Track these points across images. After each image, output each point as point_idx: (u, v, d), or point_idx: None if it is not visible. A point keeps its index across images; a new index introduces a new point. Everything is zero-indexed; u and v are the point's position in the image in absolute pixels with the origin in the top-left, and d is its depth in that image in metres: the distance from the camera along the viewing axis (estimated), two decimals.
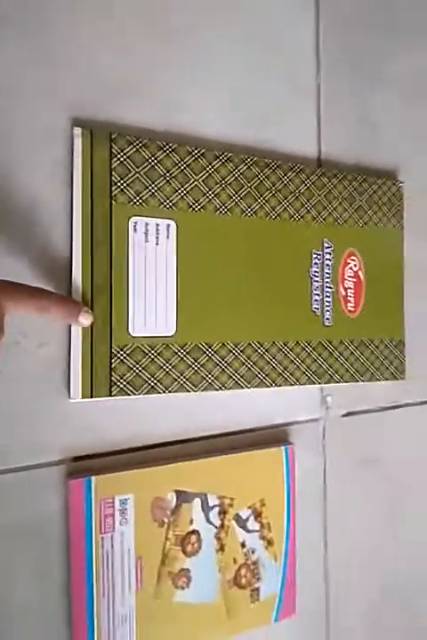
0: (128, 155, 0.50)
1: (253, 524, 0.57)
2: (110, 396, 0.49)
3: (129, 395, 0.50)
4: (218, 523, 0.55)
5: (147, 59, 0.53)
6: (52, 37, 0.48)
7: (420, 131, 0.71)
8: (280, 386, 0.58)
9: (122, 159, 0.49)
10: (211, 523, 0.55)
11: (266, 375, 0.57)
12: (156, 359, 0.51)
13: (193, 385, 0.53)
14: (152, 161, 0.51)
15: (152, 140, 0.51)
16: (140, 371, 0.50)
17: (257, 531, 0.57)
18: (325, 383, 0.61)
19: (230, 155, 0.55)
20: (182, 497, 0.53)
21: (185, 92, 0.55)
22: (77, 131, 0.48)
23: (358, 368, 0.63)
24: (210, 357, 0.54)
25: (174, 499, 0.53)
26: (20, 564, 0.48)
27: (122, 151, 0.49)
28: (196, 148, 0.53)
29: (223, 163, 0.54)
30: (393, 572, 0.69)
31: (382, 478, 0.68)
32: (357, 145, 0.66)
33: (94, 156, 0.48)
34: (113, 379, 0.49)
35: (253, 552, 0.57)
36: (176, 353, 0.52)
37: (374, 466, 0.67)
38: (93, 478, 0.49)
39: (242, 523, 0.56)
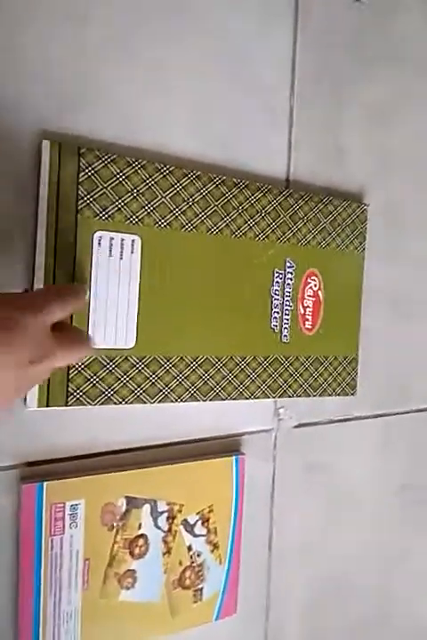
0: (96, 169, 0.50)
1: (200, 529, 0.60)
2: (66, 405, 0.50)
3: (85, 405, 0.51)
4: (166, 527, 0.57)
5: (117, 74, 0.52)
6: (21, 49, 0.48)
7: (386, 155, 0.73)
8: (235, 399, 0.60)
9: (90, 174, 0.49)
10: (159, 527, 0.57)
11: (222, 388, 0.59)
12: (114, 371, 0.52)
13: (149, 397, 0.54)
14: (120, 176, 0.51)
15: (121, 156, 0.51)
16: (97, 382, 0.51)
17: (204, 535, 0.60)
18: (278, 397, 0.63)
19: (199, 173, 0.55)
20: (132, 503, 0.55)
21: (156, 109, 0.55)
22: (46, 144, 0.47)
23: (312, 384, 0.65)
24: (168, 370, 0.55)
25: (124, 504, 0.54)
26: None
27: (90, 166, 0.49)
28: (164, 166, 0.53)
29: (192, 181, 0.55)
30: (330, 575, 0.73)
31: (327, 487, 0.71)
32: (325, 167, 0.67)
33: (62, 169, 0.48)
34: (70, 389, 0.50)
35: (198, 555, 0.60)
36: (134, 365, 0.53)
37: (320, 475, 0.70)
38: (45, 483, 0.50)
39: (189, 528, 0.59)
